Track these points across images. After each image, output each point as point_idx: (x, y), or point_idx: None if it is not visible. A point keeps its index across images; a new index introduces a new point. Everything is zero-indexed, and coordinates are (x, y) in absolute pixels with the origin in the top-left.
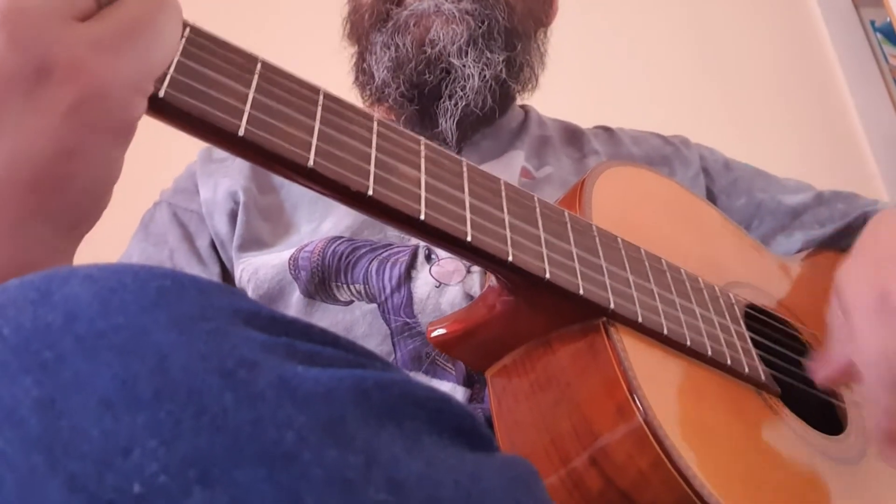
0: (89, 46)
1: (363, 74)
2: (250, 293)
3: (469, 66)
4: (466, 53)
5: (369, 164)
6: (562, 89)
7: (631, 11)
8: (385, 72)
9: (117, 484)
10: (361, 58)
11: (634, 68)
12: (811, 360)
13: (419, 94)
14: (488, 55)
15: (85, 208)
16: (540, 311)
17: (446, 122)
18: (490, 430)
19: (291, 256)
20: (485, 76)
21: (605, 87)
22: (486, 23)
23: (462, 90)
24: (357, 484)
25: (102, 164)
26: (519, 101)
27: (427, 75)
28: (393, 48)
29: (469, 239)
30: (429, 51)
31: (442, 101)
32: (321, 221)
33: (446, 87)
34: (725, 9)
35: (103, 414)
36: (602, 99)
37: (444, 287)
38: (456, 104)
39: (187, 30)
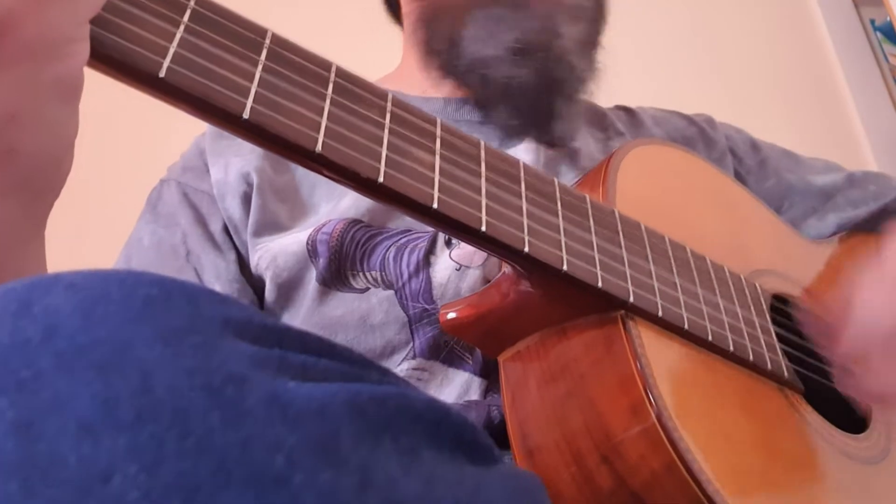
0: (14, 1)
1: (441, 42)
2: (268, 281)
3: (583, 70)
4: (579, 53)
5: (381, 147)
6: None
7: (631, 12)
8: (504, 52)
9: None
10: (442, 23)
11: (635, 70)
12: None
13: (545, 85)
14: (592, 61)
15: (41, 176)
16: (555, 301)
17: (562, 123)
18: (492, 440)
19: (309, 237)
20: (591, 83)
21: (604, 90)
22: (593, 26)
23: (577, 93)
24: None
25: (49, 125)
26: None
27: (555, 70)
28: (518, 29)
29: (484, 228)
30: (555, 43)
31: (562, 100)
32: (340, 200)
33: (566, 86)
34: (726, 8)
35: (82, 438)
36: (601, 99)
37: (465, 271)
38: (570, 109)
39: (192, 1)
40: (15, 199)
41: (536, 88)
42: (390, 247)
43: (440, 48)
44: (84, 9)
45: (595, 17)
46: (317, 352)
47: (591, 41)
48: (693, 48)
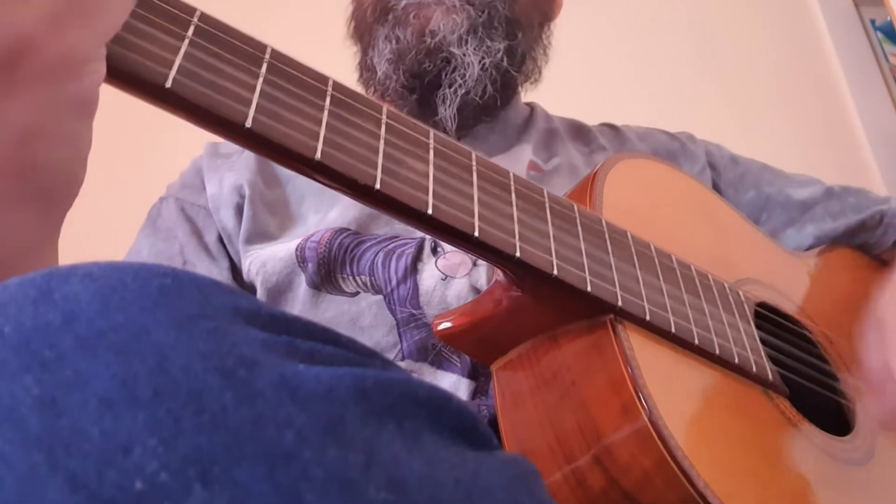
0: (36, 23)
1: (367, 71)
2: (259, 286)
3: (469, 55)
4: (466, 42)
5: (377, 156)
6: (562, 87)
7: (631, 11)
8: (386, 64)
9: (118, 482)
10: (365, 54)
11: (634, 69)
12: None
13: (419, 84)
14: (488, 43)
15: (58, 188)
16: (547, 306)
17: (446, 109)
18: (491, 429)
19: (298, 246)
20: (484, 64)
21: (604, 88)
22: (486, 12)
23: (462, 78)
24: (358, 483)
25: (67, 141)
26: (522, 94)
27: (427, 64)
28: (394, 40)
29: (476, 234)
30: (429, 41)
31: (441, 89)
32: (327, 212)
33: (446, 76)
34: (726, 8)
35: (103, 413)
36: (601, 100)
37: (450, 280)
38: (455, 92)
39: (196, 17)
40: (31, 208)
41: (412, 88)
42: (378, 252)
43: (366, 77)
44: (102, 32)
45: (486, 3)
46: (322, 340)
47: (487, 24)
48: (693, 49)
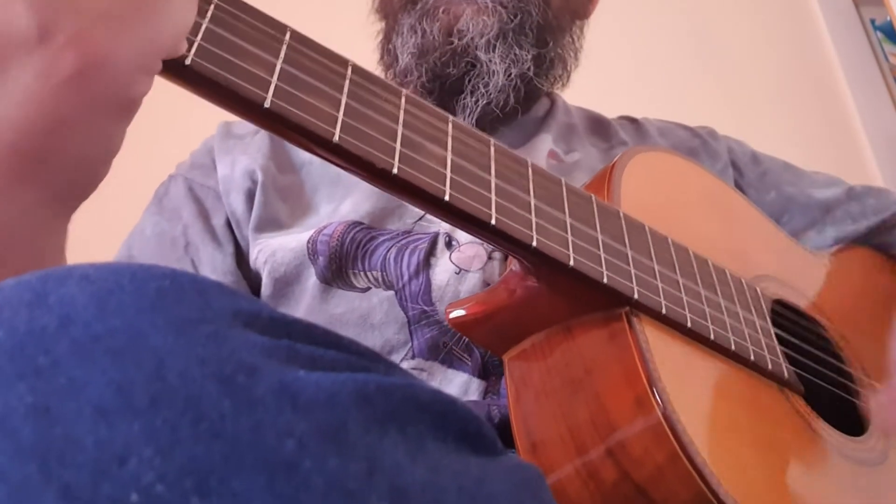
0: (99, 17)
1: (388, 55)
2: (265, 276)
3: (495, 62)
4: (494, 48)
5: (395, 141)
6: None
7: (631, 11)
8: (409, 57)
9: (113, 494)
10: (387, 38)
11: (634, 69)
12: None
13: (440, 86)
14: (517, 51)
15: (77, 181)
16: (562, 297)
17: (465, 118)
18: (499, 431)
19: (310, 239)
20: (510, 74)
21: (603, 88)
22: (518, 17)
23: (485, 87)
24: (359, 492)
25: (98, 139)
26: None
27: (451, 67)
28: (419, 33)
29: (493, 222)
30: (455, 41)
31: (463, 96)
32: (340, 202)
33: (469, 81)
34: (726, 8)
35: (98, 421)
36: (600, 101)
37: (464, 274)
38: (476, 101)
39: None
40: (39, 194)
41: (432, 89)
42: (391, 247)
43: (388, 62)
44: (164, 48)
45: (519, 8)
46: (324, 343)
47: (518, 31)
48: (693, 49)
